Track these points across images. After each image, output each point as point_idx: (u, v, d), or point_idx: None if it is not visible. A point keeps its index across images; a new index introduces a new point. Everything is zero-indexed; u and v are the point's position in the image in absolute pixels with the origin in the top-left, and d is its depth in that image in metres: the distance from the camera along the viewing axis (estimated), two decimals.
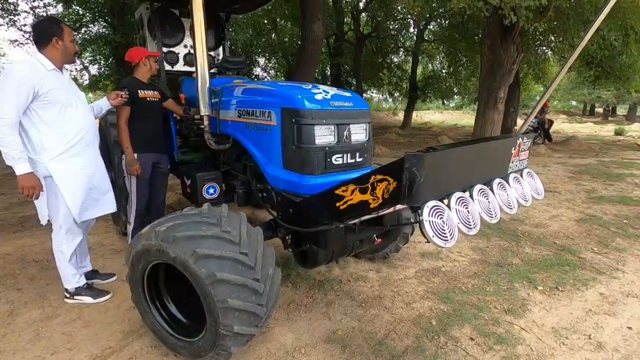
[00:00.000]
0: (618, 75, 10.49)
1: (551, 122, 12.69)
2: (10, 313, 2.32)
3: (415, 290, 2.70)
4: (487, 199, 1.40)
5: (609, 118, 29.24)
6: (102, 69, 12.65)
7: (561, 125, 20.27)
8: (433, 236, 1.16)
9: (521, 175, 1.72)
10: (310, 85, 2.16)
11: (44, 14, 11.19)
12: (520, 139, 1.65)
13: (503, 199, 1.48)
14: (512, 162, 1.65)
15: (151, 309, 1.97)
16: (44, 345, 2.03)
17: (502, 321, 2.34)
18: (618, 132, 15.65)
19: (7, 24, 10.96)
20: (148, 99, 2.77)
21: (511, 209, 1.50)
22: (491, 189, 1.46)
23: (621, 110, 34.37)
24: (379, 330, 2.23)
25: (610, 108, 31.21)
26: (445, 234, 1.19)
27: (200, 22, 2.36)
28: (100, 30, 11.26)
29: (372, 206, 1.47)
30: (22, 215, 4.39)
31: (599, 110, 33.19)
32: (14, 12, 10.76)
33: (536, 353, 2.06)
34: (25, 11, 11.34)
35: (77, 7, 11.44)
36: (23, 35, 11.45)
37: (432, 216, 1.18)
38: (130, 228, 2.98)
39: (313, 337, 2.16)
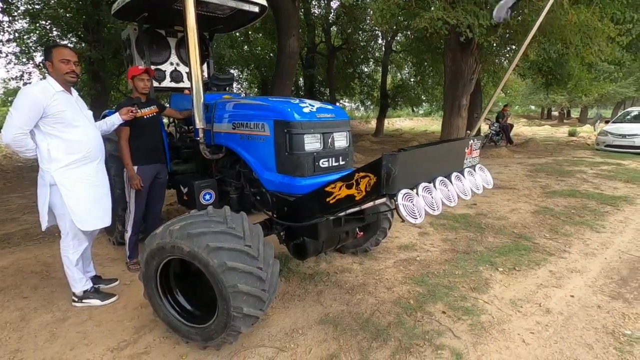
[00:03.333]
0: (566, 81, 11.56)
1: (511, 126, 13.69)
2: (23, 318, 2.46)
3: (394, 277, 3.05)
4: (446, 187, 1.77)
5: (564, 120, 31.49)
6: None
7: (521, 129, 21.71)
8: (406, 215, 1.51)
9: (474, 170, 2.11)
10: (298, 100, 2.49)
11: (9, 31, 10.97)
12: (471, 141, 2.05)
13: (459, 188, 1.86)
14: (466, 159, 2.04)
15: (164, 302, 2.19)
16: (62, 343, 2.21)
17: (468, 297, 2.73)
18: (571, 134, 17.01)
19: None
20: (145, 117, 2.99)
21: (466, 195, 1.88)
22: (450, 180, 1.84)
23: (575, 113, 37.10)
24: (365, 310, 2.55)
25: (565, 111, 33.62)
26: (415, 214, 1.54)
27: (194, 42, 2.63)
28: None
29: (357, 198, 1.80)
30: (4, 232, 4.40)
31: (555, 113, 35.65)
32: None
33: (497, 320, 2.45)
34: None
35: (44, 22, 11.28)
36: None
37: (404, 200, 1.53)
38: (127, 236, 3.16)
39: (308, 320, 2.45)
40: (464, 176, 1.97)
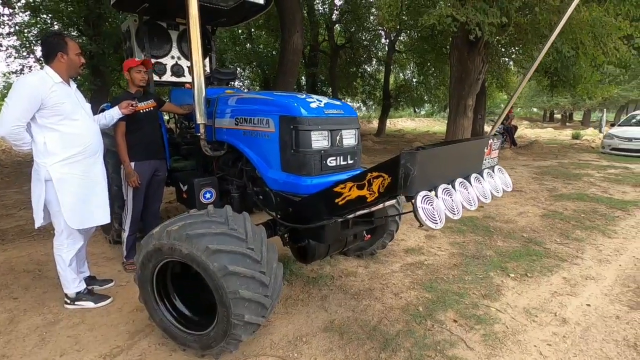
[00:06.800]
0: (572, 83, 11.42)
1: (515, 128, 13.54)
2: (11, 320, 2.33)
3: (402, 282, 2.92)
4: (466, 190, 1.65)
5: (567, 123, 31.35)
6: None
7: (524, 131, 21.54)
8: (426, 220, 1.39)
9: (493, 171, 1.99)
10: (304, 95, 2.37)
11: (9, 24, 10.84)
12: (491, 140, 1.93)
13: (479, 191, 1.73)
14: (485, 160, 1.92)
15: (160, 306, 2.07)
16: (51, 348, 2.08)
17: (480, 305, 2.60)
18: (575, 137, 16.87)
19: None
20: (141, 111, 2.86)
21: (486, 198, 1.76)
22: (469, 182, 1.71)
23: (577, 116, 36.95)
24: (372, 318, 2.43)
25: (568, 114, 33.49)
26: (435, 218, 1.41)
27: (197, 33, 2.50)
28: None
29: (368, 200, 1.68)
30: None
31: (558, 116, 35.50)
32: None
33: (511, 330, 2.32)
34: None
35: (45, 16, 11.14)
36: None
37: (423, 203, 1.41)
38: (125, 235, 3.03)
39: (312, 328, 2.32)
40: (483, 178, 1.84)
